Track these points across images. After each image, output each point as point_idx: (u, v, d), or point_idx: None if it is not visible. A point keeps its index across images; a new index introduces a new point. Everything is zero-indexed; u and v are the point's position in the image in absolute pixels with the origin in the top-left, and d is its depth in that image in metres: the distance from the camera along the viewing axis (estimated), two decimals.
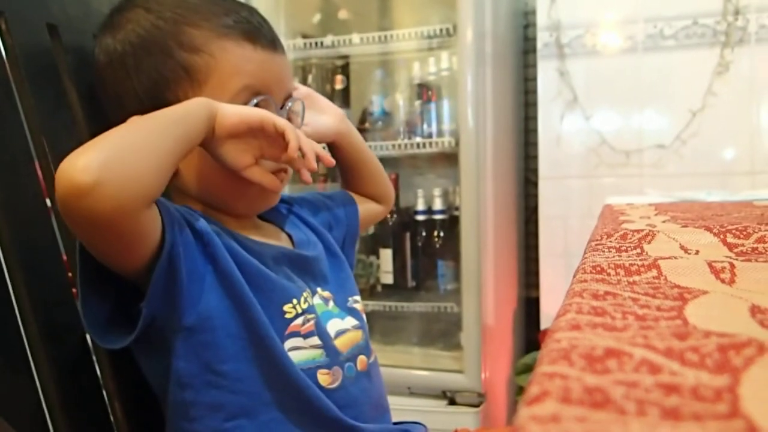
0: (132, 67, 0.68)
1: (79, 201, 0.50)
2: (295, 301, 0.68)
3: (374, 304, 1.82)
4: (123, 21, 0.69)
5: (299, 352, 0.67)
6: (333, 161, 0.71)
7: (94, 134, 0.73)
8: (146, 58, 0.67)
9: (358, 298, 0.80)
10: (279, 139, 0.65)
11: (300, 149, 0.65)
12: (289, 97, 0.73)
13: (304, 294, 0.70)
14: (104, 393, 0.70)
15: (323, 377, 0.68)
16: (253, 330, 0.64)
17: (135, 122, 0.60)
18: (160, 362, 0.64)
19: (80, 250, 0.59)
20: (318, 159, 0.70)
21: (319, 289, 0.75)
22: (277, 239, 0.76)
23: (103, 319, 0.61)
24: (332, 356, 0.70)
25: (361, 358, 0.74)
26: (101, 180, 0.50)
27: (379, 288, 1.90)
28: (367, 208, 0.92)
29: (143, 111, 0.62)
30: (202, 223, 0.65)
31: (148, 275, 0.58)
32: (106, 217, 0.51)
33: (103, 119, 0.73)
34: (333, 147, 0.87)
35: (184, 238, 0.61)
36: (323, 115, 0.83)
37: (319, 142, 0.85)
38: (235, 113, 0.62)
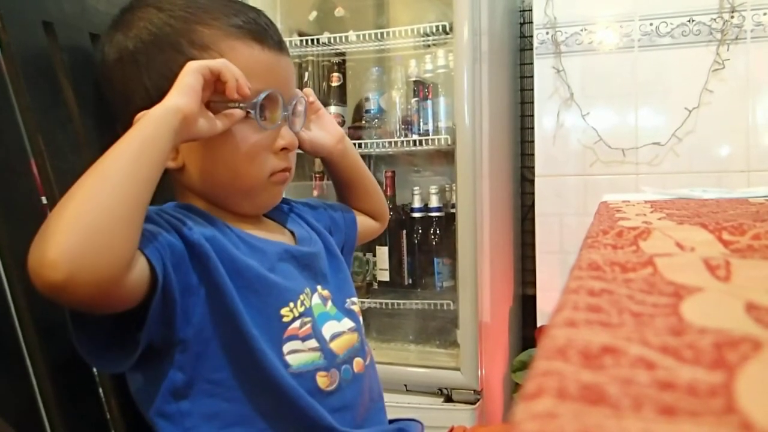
0: (143, 64, 0.68)
1: (57, 295, 0.49)
2: (291, 304, 0.69)
3: (370, 302, 1.82)
4: (135, 19, 0.70)
5: (298, 355, 0.68)
6: (247, 92, 0.66)
7: (90, 132, 0.73)
8: (158, 55, 0.68)
9: (355, 299, 0.81)
10: (219, 82, 0.64)
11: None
12: (293, 98, 0.74)
13: (303, 295, 0.71)
14: (100, 390, 0.70)
15: (322, 380, 0.69)
16: (243, 341, 0.64)
17: (97, 169, 0.54)
18: (155, 375, 0.64)
19: None
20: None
21: (319, 288, 0.75)
22: (279, 235, 0.77)
23: (102, 346, 0.60)
24: (329, 359, 0.70)
25: (357, 360, 0.75)
26: (73, 272, 0.48)
27: (375, 285, 1.90)
28: (364, 222, 0.94)
29: (151, 107, 0.62)
30: (195, 234, 0.63)
31: (144, 305, 0.57)
32: (87, 300, 0.51)
33: (99, 116, 0.73)
34: (328, 162, 0.89)
35: (175, 258, 0.60)
36: (322, 132, 0.85)
37: (314, 155, 0.89)
38: (183, 92, 0.61)
